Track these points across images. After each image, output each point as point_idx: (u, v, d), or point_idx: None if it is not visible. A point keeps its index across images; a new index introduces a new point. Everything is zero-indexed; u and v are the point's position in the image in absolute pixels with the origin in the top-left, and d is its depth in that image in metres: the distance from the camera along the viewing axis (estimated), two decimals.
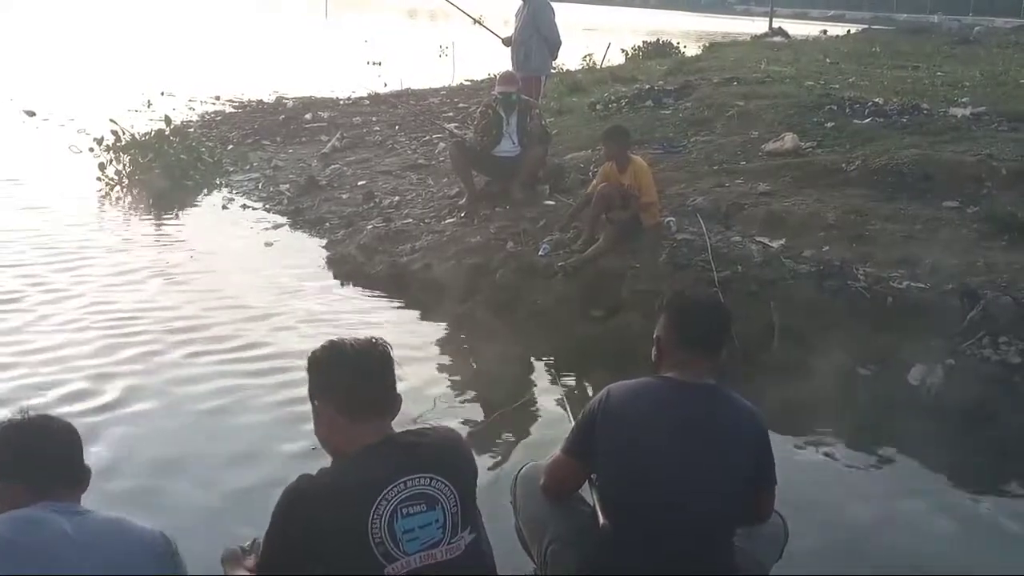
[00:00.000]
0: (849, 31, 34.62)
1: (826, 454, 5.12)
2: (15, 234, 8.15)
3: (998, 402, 5.31)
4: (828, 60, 17.31)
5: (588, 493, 3.24)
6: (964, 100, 11.27)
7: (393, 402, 2.68)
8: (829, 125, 9.89)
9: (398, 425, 2.69)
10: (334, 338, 2.72)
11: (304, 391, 2.73)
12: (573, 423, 3.77)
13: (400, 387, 2.73)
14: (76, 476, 2.60)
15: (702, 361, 3.05)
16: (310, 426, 2.73)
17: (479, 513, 2.70)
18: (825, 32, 36.88)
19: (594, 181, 7.59)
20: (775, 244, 6.91)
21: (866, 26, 44.94)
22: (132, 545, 2.48)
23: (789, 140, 9.25)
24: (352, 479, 2.51)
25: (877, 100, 10.72)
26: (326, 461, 2.66)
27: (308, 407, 2.72)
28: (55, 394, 5.16)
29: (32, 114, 14.46)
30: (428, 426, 2.89)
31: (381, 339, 2.71)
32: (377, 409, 2.63)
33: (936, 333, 5.82)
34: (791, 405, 5.44)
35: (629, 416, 2.99)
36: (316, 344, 2.72)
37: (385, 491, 2.47)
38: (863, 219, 7.32)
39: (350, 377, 2.62)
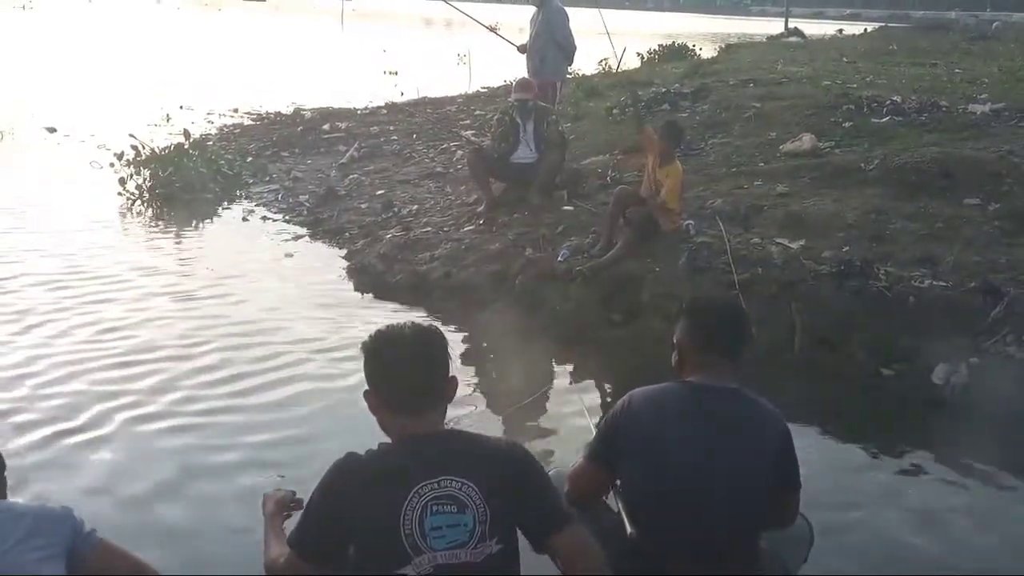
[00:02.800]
0: (866, 29, 34.54)
1: (850, 456, 5.09)
2: (37, 251, 8.19)
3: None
4: (845, 59, 17.27)
5: (613, 501, 3.24)
6: (983, 96, 11.21)
7: (439, 394, 2.69)
8: (847, 124, 9.85)
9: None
10: (385, 326, 2.74)
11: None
12: (595, 430, 3.78)
13: None
14: None
15: (723, 364, 3.05)
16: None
17: (514, 530, 2.66)
18: (841, 31, 36.81)
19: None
20: (795, 245, 6.89)
21: (883, 24, 44.80)
22: (16, 526, 2.50)
23: (807, 140, 9.22)
24: (392, 468, 2.55)
25: (895, 98, 10.69)
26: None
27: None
28: (75, 415, 5.18)
29: (53, 130, 14.57)
30: (493, 436, 2.89)
31: (434, 329, 2.76)
32: (418, 404, 2.65)
33: (959, 331, 5.80)
34: (814, 407, 5.44)
35: (651, 422, 2.98)
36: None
37: (418, 486, 2.50)
38: (883, 218, 7.29)
39: (390, 372, 2.65)
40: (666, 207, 7.16)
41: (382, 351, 2.67)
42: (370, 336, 2.72)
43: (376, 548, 2.51)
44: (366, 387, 2.71)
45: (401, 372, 2.64)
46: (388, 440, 2.69)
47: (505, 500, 2.59)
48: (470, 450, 2.66)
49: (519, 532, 2.67)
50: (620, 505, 3.12)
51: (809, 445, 4.95)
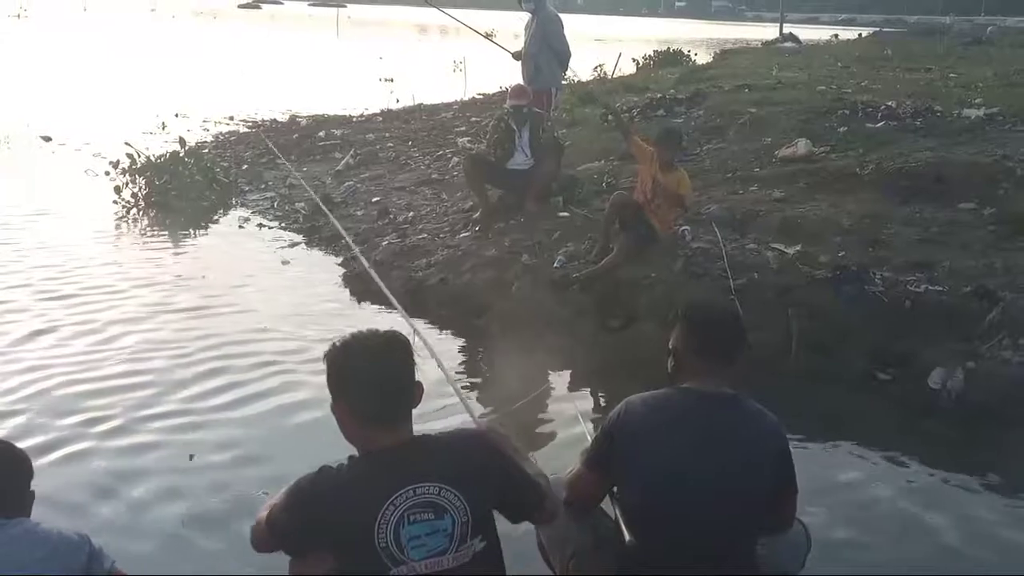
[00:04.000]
0: (860, 35, 34.61)
1: (847, 461, 5.09)
2: (29, 259, 8.17)
3: (1020, 404, 5.27)
4: (840, 64, 17.31)
5: (610, 507, 3.24)
6: (977, 101, 11.23)
7: (408, 402, 2.65)
8: (842, 130, 9.87)
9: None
10: (350, 335, 2.68)
11: None
12: (588, 435, 3.78)
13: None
14: (13, 502, 2.78)
15: (719, 370, 3.05)
16: None
17: (493, 522, 2.69)
18: (836, 36, 36.91)
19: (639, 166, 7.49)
20: (791, 250, 6.90)
21: (877, 29, 44.90)
22: (36, 550, 2.64)
23: (802, 146, 9.24)
24: (362, 482, 2.53)
25: (890, 103, 10.70)
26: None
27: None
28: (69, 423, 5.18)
29: (48, 139, 14.57)
30: (457, 430, 2.88)
31: (399, 337, 2.70)
32: (387, 415, 2.61)
33: (955, 336, 5.80)
34: (810, 411, 5.43)
35: (648, 428, 2.98)
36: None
37: (393, 497, 2.48)
38: (878, 223, 7.30)
39: (357, 385, 2.60)
40: (684, 205, 7.15)
41: (347, 361, 2.62)
42: (332, 345, 2.66)
43: (352, 560, 2.49)
44: (332, 400, 2.67)
45: (368, 382, 2.60)
46: (355, 454, 2.66)
47: (482, 490, 2.60)
48: (441, 451, 2.65)
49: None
50: (617, 513, 3.12)
51: (805, 450, 4.97)
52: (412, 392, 2.66)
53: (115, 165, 10.69)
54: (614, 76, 20.06)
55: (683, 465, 2.91)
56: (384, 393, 2.60)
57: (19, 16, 48.10)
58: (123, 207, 10.27)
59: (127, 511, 4.33)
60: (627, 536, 3.02)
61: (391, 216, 9.40)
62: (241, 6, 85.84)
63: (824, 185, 8.28)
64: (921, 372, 5.66)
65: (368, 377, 2.59)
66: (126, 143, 11.24)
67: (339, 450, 2.67)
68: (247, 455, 4.87)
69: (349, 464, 2.60)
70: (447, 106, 17.95)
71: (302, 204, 10.45)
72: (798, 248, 6.94)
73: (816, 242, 7.04)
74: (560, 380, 6.20)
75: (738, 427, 2.99)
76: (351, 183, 11.22)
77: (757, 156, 9.44)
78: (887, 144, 9.14)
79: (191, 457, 4.83)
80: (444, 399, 5.22)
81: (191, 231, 9.76)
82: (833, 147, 9.37)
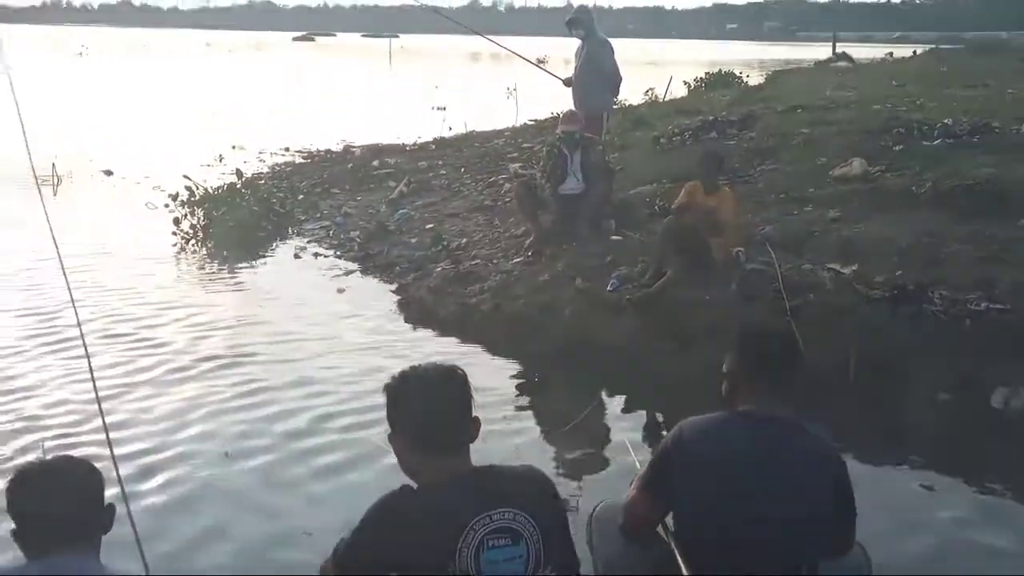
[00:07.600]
0: (915, 52, 34.20)
1: (908, 483, 5.01)
2: (90, 289, 8.33)
3: None
4: (894, 83, 17.11)
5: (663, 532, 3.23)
6: None
7: (466, 433, 2.68)
8: (897, 148, 9.76)
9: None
10: (409, 368, 2.73)
11: None
12: (636, 461, 3.77)
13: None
14: (87, 523, 2.54)
15: (775, 393, 3.03)
16: None
17: (569, 552, 2.71)
18: (891, 55, 36.45)
19: (678, 198, 7.53)
20: (847, 271, 6.82)
21: (933, 46, 44.33)
22: None
23: (857, 165, 9.15)
24: (445, 506, 2.55)
25: (946, 121, 10.55)
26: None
27: None
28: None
29: (109, 173, 14.93)
30: (510, 464, 2.91)
31: (457, 370, 2.73)
32: (448, 445, 2.64)
33: (1018, 355, 5.69)
34: (870, 433, 5.37)
35: (704, 453, 2.97)
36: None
37: (472, 522, 2.50)
38: (936, 242, 7.18)
39: (418, 416, 2.64)
40: (722, 226, 7.11)
41: (410, 393, 2.67)
42: (393, 378, 2.71)
43: None
44: (389, 431, 2.71)
45: (433, 413, 2.63)
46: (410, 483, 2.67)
47: (552, 521, 2.63)
48: (508, 478, 2.68)
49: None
50: (674, 545, 3.09)
51: (865, 472, 4.89)
52: (469, 425, 2.69)
53: (174, 197, 10.91)
54: (665, 99, 20.06)
55: (738, 490, 2.90)
56: (441, 425, 2.63)
57: (80, 54, 49.47)
58: (182, 238, 10.46)
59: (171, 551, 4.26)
60: (682, 562, 3.00)
61: (444, 243, 9.47)
62: (296, 39, 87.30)
63: (880, 204, 8.19)
64: (983, 392, 5.57)
65: (426, 409, 2.64)
66: (184, 176, 11.48)
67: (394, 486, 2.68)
68: (302, 496, 4.82)
69: (428, 487, 2.62)
70: (499, 133, 18.05)
71: (356, 232, 10.56)
72: (854, 268, 6.85)
73: (873, 262, 6.96)
74: (614, 404, 6.18)
75: (794, 451, 2.96)
76: (405, 211, 11.33)
77: (811, 176, 9.35)
78: (944, 162, 9.01)
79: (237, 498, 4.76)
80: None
81: (249, 261, 9.90)
82: (889, 166, 9.26)
